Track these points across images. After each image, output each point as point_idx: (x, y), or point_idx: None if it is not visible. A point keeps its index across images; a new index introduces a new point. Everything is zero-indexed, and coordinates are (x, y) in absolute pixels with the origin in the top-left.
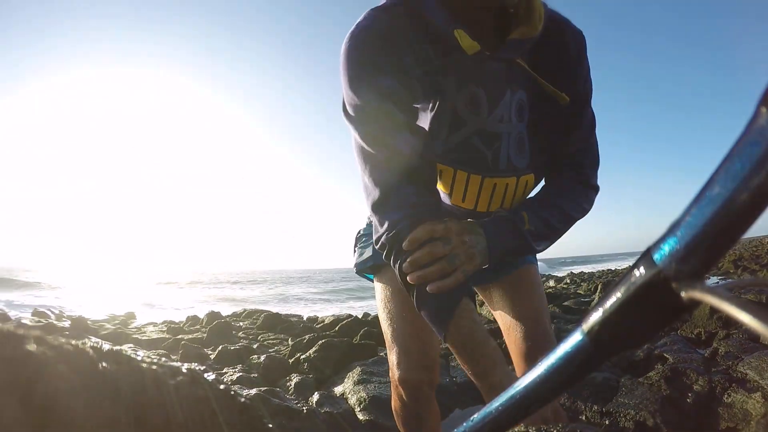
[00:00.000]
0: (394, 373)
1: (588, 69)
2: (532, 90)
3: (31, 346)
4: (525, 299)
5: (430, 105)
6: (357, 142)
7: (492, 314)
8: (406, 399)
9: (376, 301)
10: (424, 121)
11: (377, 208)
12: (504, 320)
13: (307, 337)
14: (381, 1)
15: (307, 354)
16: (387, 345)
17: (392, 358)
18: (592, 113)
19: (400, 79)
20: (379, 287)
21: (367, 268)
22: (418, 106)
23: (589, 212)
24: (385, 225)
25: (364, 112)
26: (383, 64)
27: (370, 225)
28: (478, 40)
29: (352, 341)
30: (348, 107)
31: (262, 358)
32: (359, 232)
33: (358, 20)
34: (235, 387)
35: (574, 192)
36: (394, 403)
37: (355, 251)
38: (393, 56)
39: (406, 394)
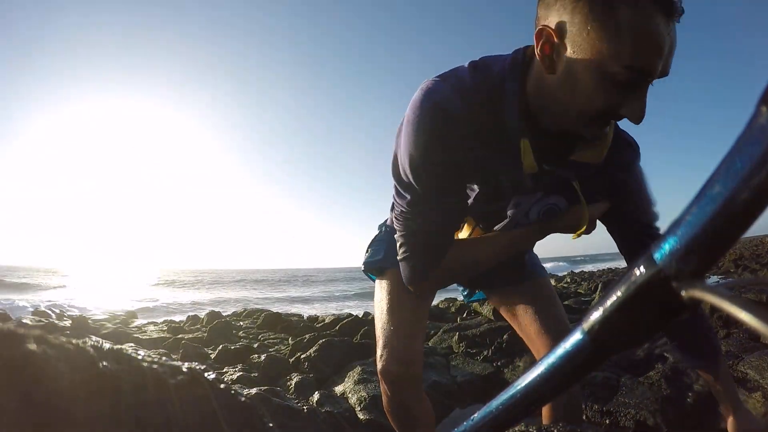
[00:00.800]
0: (378, 365)
1: (638, 178)
2: (570, 198)
3: (32, 346)
4: (550, 308)
5: (479, 179)
6: (409, 198)
7: (491, 313)
8: (389, 391)
9: (374, 299)
10: (471, 188)
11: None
12: (529, 328)
13: (307, 336)
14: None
15: (308, 353)
16: (376, 339)
17: (378, 351)
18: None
19: (459, 158)
20: (378, 287)
21: (373, 269)
22: (468, 183)
23: None
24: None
25: (423, 179)
26: (448, 143)
27: (386, 233)
28: (541, 153)
29: (352, 341)
30: (407, 171)
31: (263, 357)
32: (375, 237)
33: (433, 91)
34: (236, 386)
35: None
36: (383, 398)
37: (367, 251)
38: (458, 139)
39: (388, 386)
